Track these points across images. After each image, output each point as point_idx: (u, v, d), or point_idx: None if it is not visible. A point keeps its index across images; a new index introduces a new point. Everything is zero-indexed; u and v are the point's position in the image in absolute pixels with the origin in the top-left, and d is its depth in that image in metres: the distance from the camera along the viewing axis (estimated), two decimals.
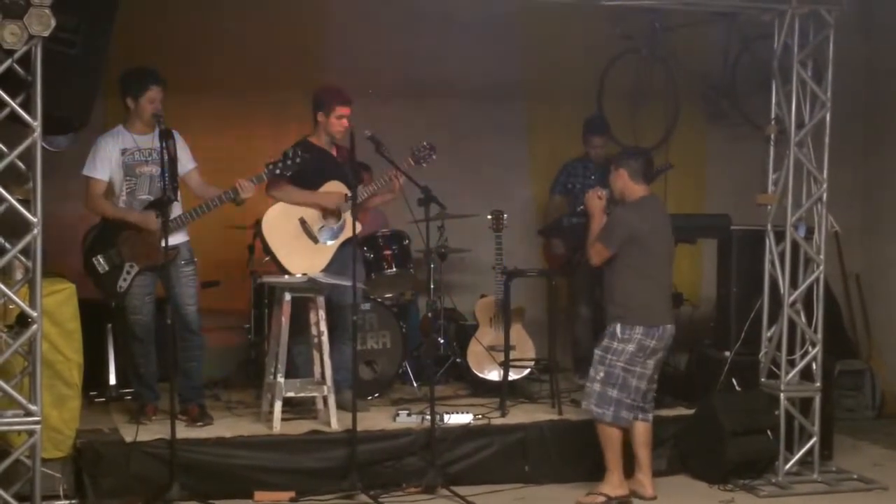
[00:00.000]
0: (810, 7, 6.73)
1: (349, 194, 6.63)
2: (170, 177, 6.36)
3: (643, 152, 6.87)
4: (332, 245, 6.99)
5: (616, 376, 6.27)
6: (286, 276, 6.79)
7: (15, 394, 5.33)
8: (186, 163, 6.68)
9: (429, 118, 8.32)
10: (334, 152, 7.05)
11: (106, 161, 6.56)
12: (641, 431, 6.40)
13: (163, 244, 6.16)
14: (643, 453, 6.42)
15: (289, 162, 6.69)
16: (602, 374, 6.30)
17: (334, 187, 6.98)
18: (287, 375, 6.62)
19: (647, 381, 6.36)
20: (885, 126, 9.13)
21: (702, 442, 6.84)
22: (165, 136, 6.32)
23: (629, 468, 6.42)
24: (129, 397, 7.15)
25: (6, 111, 5.24)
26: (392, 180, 6.99)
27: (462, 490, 6.32)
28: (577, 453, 6.71)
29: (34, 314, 5.30)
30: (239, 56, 8.13)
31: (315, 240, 6.98)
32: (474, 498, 6.28)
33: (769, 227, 6.99)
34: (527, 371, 7.66)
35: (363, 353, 7.36)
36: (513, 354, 7.38)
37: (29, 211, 5.27)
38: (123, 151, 6.58)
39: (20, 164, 5.31)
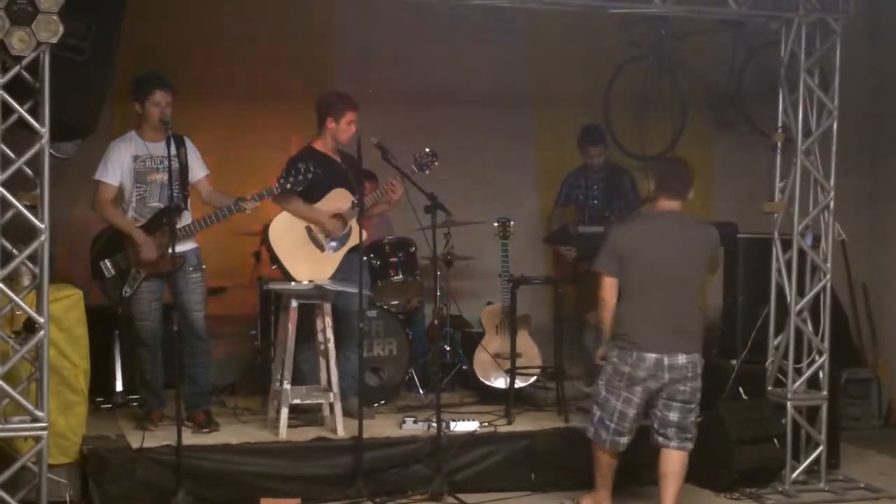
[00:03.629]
0: (817, 15, 6.73)
1: (354, 202, 6.62)
2: (180, 184, 6.36)
3: (672, 162, 6.53)
4: (338, 253, 6.99)
5: (599, 394, 6.11)
6: (293, 283, 6.78)
7: (22, 400, 5.34)
8: (198, 170, 6.69)
9: (435, 125, 8.30)
10: (338, 158, 7.06)
11: (117, 166, 6.54)
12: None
13: (170, 251, 6.16)
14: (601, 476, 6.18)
15: (300, 177, 6.66)
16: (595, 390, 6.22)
17: (339, 195, 6.97)
18: (293, 382, 6.61)
19: (634, 408, 5.97)
20: (893, 134, 9.10)
21: (708, 450, 6.80)
22: (176, 143, 6.32)
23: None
24: (135, 404, 7.15)
25: (14, 117, 5.25)
26: (387, 192, 6.99)
27: (468, 498, 6.31)
28: (583, 461, 6.64)
29: (41, 320, 5.31)
30: (246, 63, 8.13)
31: (321, 247, 6.97)
32: None
33: (776, 235, 6.98)
34: (533, 378, 7.65)
35: (369, 360, 7.36)
36: (519, 362, 7.38)
37: (36, 217, 5.28)
38: (135, 158, 6.56)
39: (28, 170, 5.33)
